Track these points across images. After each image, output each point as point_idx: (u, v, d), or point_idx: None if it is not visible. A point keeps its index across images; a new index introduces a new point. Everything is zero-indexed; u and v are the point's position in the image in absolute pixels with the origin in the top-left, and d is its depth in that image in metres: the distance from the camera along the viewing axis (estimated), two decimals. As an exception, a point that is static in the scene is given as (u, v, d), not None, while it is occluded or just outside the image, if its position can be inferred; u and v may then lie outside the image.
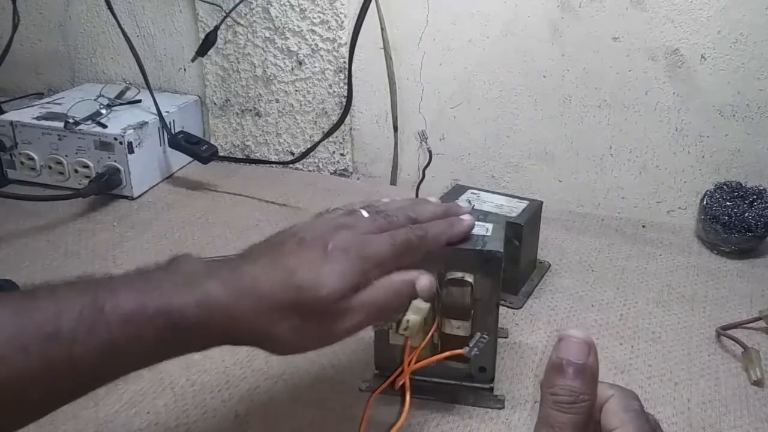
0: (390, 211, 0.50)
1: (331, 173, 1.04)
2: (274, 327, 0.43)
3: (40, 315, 0.38)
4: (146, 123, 0.95)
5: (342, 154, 1.02)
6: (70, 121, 0.92)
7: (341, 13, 0.94)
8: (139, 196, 0.94)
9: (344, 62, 0.96)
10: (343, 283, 0.44)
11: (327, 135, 0.97)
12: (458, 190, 0.77)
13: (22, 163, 0.95)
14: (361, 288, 0.46)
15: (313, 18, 0.95)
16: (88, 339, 0.38)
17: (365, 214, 0.50)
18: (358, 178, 1.04)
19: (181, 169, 1.03)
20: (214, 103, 1.05)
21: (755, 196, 0.81)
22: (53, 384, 0.38)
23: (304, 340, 0.45)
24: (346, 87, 0.96)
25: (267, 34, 0.98)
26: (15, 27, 1.07)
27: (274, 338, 0.44)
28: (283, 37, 0.97)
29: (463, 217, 0.53)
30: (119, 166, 0.91)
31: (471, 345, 0.52)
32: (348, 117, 0.98)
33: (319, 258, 0.45)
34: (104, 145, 0.91)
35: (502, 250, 0.54)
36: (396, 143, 0.99)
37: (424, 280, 0.48)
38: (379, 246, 0.47)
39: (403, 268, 0.48)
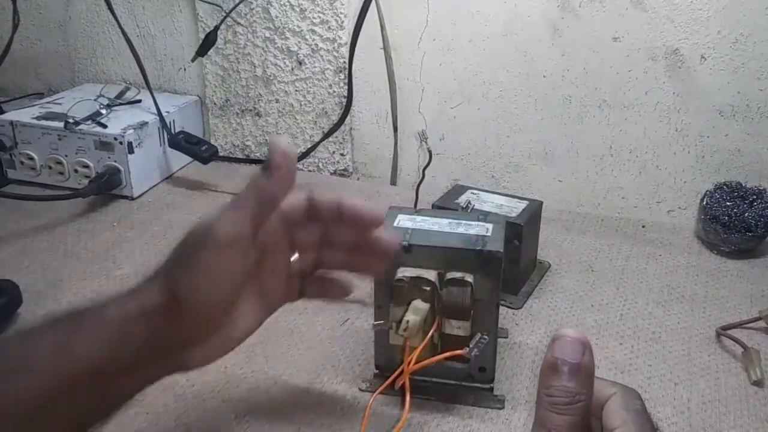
0: None
1: (331, 173, 1.04)
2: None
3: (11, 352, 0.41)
4: (146, 123, 0.95)
5: (342, 154, 1.02)
6: (70, 121, 0.92)
7: (341, 13, 0.94)
8: (139, 196, 0.94)
9: (344, 62, 0.96)
10: None
11: (327, 135, 0.97)
12: (458, 190, 0.77)
13: (21, 163, 0.95)
14: None
15: (313, 18, 0.95)
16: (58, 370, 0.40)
17: None
18: (358, 178, 1.04)
19: (181, 169, 1.03)
20: (214, 103, 1.05)
21: (755, 196, 0.81)
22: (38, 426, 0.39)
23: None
24: (346, 87, 0.96)
25: (267, 34, 0.98)
26: (15, 27, 1.07)
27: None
28: (283, 37, 0.97)
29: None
30: (119, 166, 0.91)
31: (471, 345, 0.53)
32: (348, 117, 0.98)
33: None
34: (104, 145, 0.91)
35: (502, 250, 0.54)
36: (396, 143, 0.99)
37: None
38: None
39: None
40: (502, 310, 0.68)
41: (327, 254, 0.52)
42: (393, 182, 1.02)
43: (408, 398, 0.55)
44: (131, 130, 0.92)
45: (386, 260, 0.52)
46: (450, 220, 0.59)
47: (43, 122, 0.93)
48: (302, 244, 0.51)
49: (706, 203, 0.83)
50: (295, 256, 0.51)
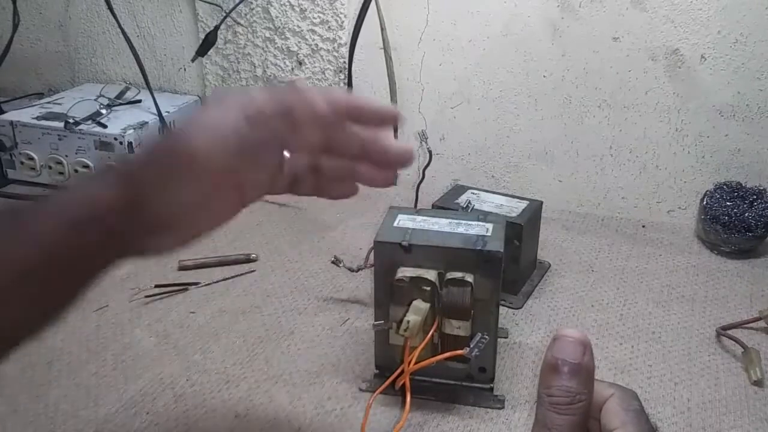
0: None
1: (331, 173, 1.04)
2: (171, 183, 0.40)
3: None
4: (146, 123, 0.95)
5: (342, 154, 1.02)
6: (70, 121, 0.92)
7: (341, 13, 0.94)
8: (139, 196, 0.94)
9: (344, 62, 0.96)
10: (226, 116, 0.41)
11: (327, 135, 0.97)
12: (458, 190, 0.77)
13: (22, 163, 0.95)
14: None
15: (313, 18, 0.95)
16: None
17: None
18: (358, 178, 1.04)
19: (181, 169, 1.03)
20: (214, 103, 1.05)
21: (755, 196, 0.81)
22: None
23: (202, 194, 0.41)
24: (346, 87, 0.96)
25: (267, 34, 0.98)
26: (15, 27, 1.07)
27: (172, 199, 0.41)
28: (283, 37, 0.97)
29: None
30: (119, 166, 0.91)
31: (471, 345, 0.52)
32: (348, 117, 0.98)
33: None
34: (104, 145, 0.91)
35: (502, 250, 0.54)
36: (396, 143, 0.99)
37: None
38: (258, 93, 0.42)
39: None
40: (502, 310, 0.68)
41: (327, 160, 0.46)
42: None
43: (408, 398, 0.55)
44: (131, 130, 0.92)
45: (398, 167, 0.46)
46: (450, 220, 0.59)
47: (43, 122, 0.93)
48: (297, 145, 0.44)
49: (706, 203, 0.83)
50: (286, 156, 0.44)
